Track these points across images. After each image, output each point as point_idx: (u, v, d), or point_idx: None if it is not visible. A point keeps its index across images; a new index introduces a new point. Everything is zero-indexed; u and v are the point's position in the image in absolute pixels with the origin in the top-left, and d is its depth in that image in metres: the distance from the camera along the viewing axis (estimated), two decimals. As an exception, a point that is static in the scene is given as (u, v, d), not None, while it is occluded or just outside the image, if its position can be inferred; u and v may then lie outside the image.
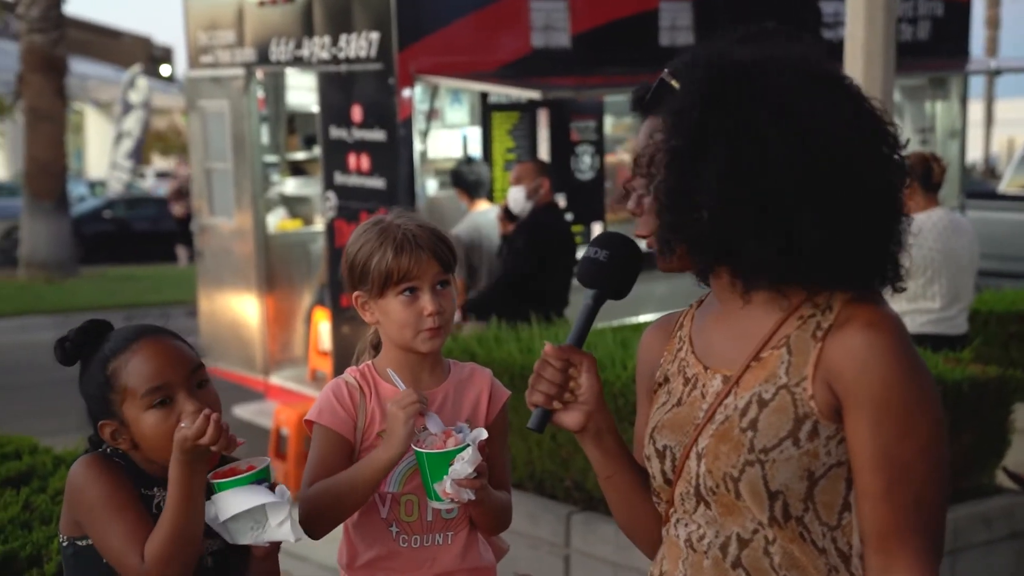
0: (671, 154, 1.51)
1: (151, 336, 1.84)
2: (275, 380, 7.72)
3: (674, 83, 1.54)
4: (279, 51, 7.38)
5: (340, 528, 2.11)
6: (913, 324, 4.99)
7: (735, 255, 1.51)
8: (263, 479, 1.78)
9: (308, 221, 8.37)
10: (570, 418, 1.63)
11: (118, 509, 1.76)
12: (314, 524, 1.99)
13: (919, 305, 5.05)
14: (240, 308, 7.96)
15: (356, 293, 2.09)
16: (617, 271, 1.67)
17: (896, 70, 6.82)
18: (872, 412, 1.46)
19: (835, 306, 1.52)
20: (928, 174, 5.18)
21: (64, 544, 1.83)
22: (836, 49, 5.98)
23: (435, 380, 2.10)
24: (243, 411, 7.73)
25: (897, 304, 4.93)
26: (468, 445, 1.92)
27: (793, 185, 1.46)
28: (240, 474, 1.78)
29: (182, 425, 1.73)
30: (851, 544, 1.52)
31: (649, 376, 1.71)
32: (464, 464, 1.91)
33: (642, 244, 1.66)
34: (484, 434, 1.96)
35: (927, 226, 5.06)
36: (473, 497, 1.93)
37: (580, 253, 6.88)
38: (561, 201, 7.06)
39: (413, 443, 1.95)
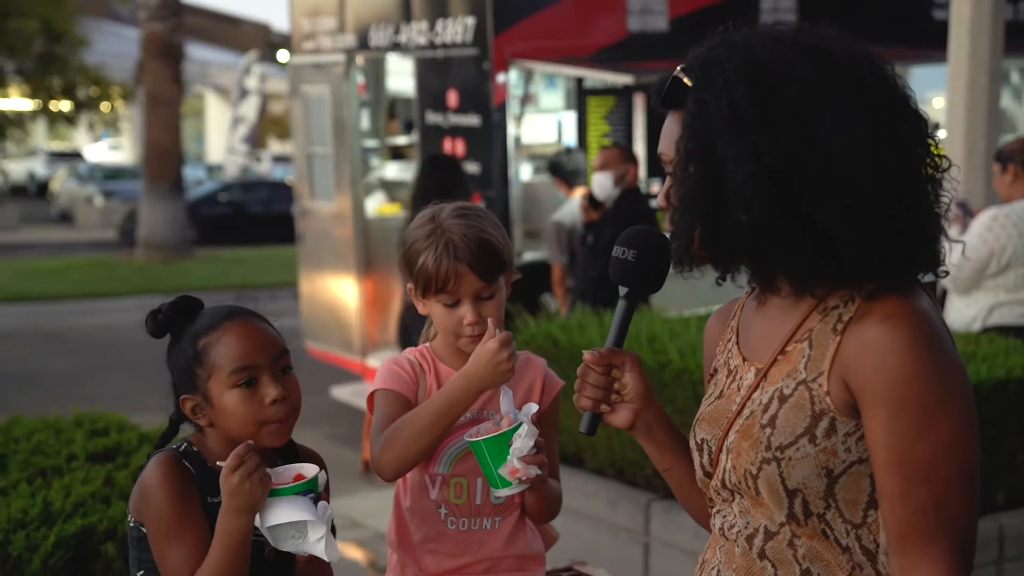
0: (686, 157, 1.48)
1: (243, 317, 1.88)
2: (372, 362, 7.82)
3: (687, 80, 1.50)
4: (378, 37, 7.46)
5: (392, 507, 2.14)
6: (1012, 315, 4.83)
7: (753, 257, 1.49)
8: (309, 489, 1.79)
9: (407, 205, 8.45)
10: (619, 417, 1.66)
11: (180, 530, 1.79)
12: (385, 462, 1.97)
13: (1018, 296, 4.87)
14: (339, 291, 8.09)
15: (409, 284, 2.11)
16: (646, 269, 1.68)
17: (1015, 51, 6.58)
18: (886, 409, 1.41)
19: (858, 298, 1.48)
20: (1033, 159, 4.98)
21: (131, 524, 1.88)
22: (944, 30, 5.79)
23: None
24: (341, 392, 7.86)
25: (994, 295, 4.82)
26: (522, 422, 1.92)
27: (809, 183, 1.42)
28: (289, 481, 1.79)
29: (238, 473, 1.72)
30: (877, 542, 1.48)
31: (710, 365, 1.71)
32: (524, 440, 1.90)
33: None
34: (535, 407, 1.96)
35: (1029, 213, 4.87)
36: (540, 472, 1.93)
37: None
38: (657, 186, 7.00)
39: (467, 436, 1.96)
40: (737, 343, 1.62)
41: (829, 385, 1.46)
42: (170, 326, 1.89)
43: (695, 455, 1.61)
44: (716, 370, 1.65)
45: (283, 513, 1.75)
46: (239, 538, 1.75)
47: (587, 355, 1.64)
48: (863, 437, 1.45)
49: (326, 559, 1.78)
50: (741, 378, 1.57)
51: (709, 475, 1.59)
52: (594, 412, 1.66)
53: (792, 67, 1.45)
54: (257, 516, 1.77)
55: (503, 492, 1.97)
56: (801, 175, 1.43)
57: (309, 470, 1.80)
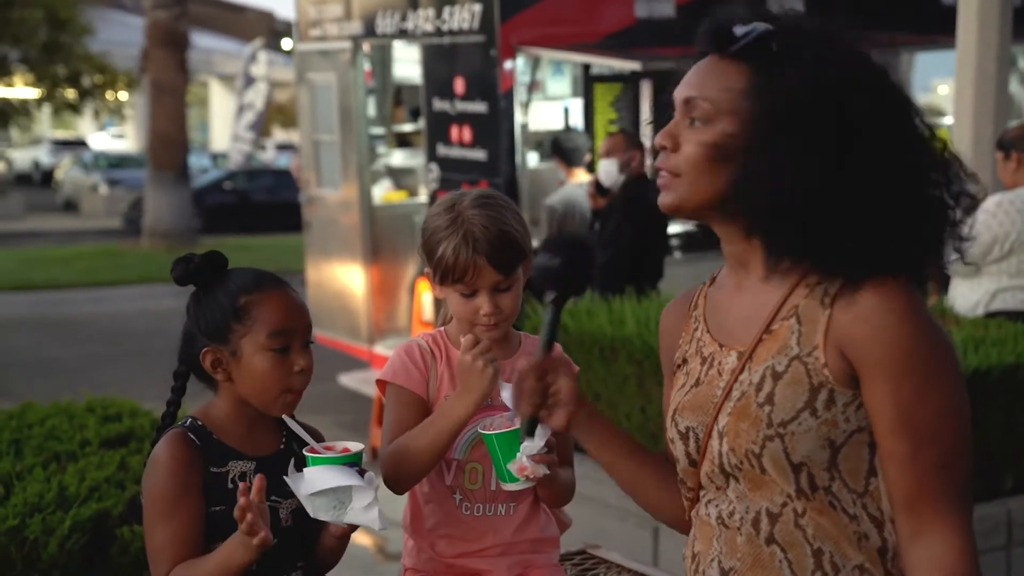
0: (754, 105, 1.49)
1: (284, 285, 1.93)
2: (379, 349, 7.85)
3: (771, 40, 1.51)
4: (385, 24, 7.46)
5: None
6: (1015, 300, 4.84)
7: (750, 230, 1.52)
8: (354, 463, 1.82)
9: (413, 193, 8.46)
10: (556, 419, 1.71)
11: (170, 512, 1.82)
12: (393, 481, 2.01)
13: (1020, 281, 4.88)
14: (346, 278, 8.10)
15: (426, 268, 2.11)
16: (571, 275, 1.74)
17: (1023, 36, 6.57)
18: (889, 376, 1.45)
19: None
20: (1035, 147, 4.98)
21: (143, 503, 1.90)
22: (953, 15, 5.78)
23: (505, 353, 2.10)
24: (348, 379, 7.88)
25: (998, 280, 4.82)
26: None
27: (853, 184, 1.47)
28: (334, 454, 1.83)
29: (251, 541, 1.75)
30: (882, 510, 1.51)
31: (670, 357, 1.72)
32: (535, 440, 1.89)
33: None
34: None
35: (1033, 199, 4.87)
36: (548, 471, 1.94)
37: (675, 227, 6.86)
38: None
39: (480, 428, 1.96)
40: (708, 331, 1.63)
41: (826, 357, 1.48)
42: (197, 276, 1.92)
43: (678, 444, 1.62)
44: (685, 360, 1.66)
45: (331, 479, 1.78)
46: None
47: (521, 366, 1.72)
48: (861, 406, 1.49)
49: (376, 528, 1.80)
50: (720, 363, 1.58)
51: (695, 463, 1.60)
52: (532, 416, 1.73)
53: (861, 73, 1.50)
54: (300, 483, 1.79)
55: (510, 487, 1.98)
56: (854, 177, 1.47)
57: (355, 445, 1.85)
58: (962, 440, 1.47)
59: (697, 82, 1.56)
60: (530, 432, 1.74)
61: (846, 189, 1.46)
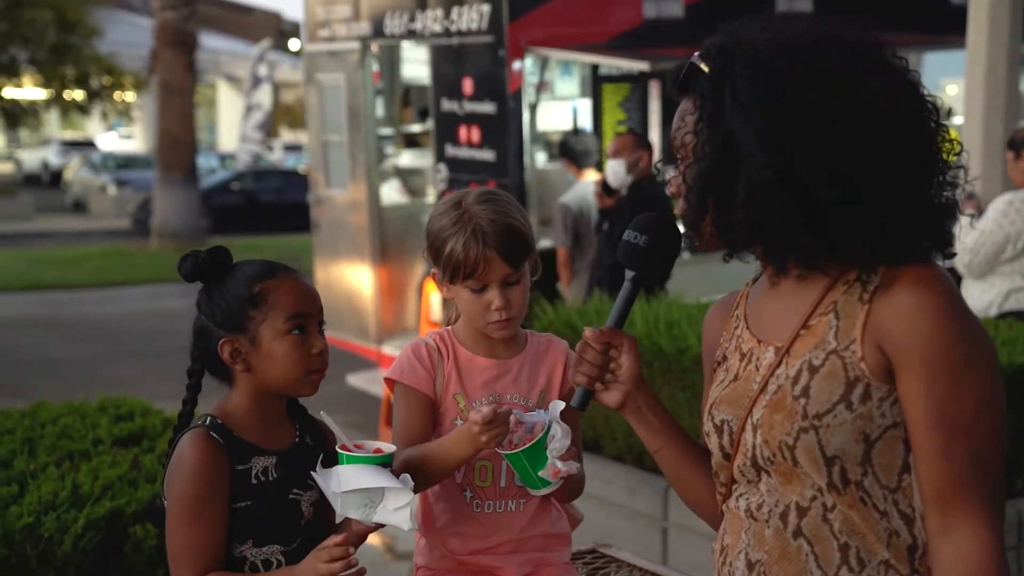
0: (701, 139, 1.51)
1: (294, 272, 1.96)
2: (387, 349, 7.86)
3: (703, 66, 1.53)
4: (393, 24, 7.47)
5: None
6: (1030, 301, 4.83)
7: (766, 238, 1.52)
8: (387, 464, 1.83)
9: (421, 193, 8.47)
10: (611, 397, 1.70)
11: (195, 516, 1.82)
12: None
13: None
14: (354, 278, 8.11)
15: (434, 269, 2.13)
16: (655, 255, 1.73)
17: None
18: (924, 368, 1.45)
19: (879, 267, 1.52)
20: (1044, 146, 4.98)
21: (166, 503, 1.90)
22: (963, 14, 5.78)
23: (511, 352, 2.12)
24: (356, 380, 7.89)
25: (1011, 280, 4.82)
26: (551, 422, 1.95)
27: (827, 166, 1.46)
28: (365, 453, 1.84)
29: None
30: (913, 507, 1.51)
31: (712, 355, 1.73)
32: (561, 440, 1.93)
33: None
34: (562, 405, 1.98)
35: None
36: (579, 464, 1.95)
37: (683, 228, 6.81)
38: (672, 173, 6.99)
39: (498, 447, 1.96)
40: (748, 328, 1.64)
41: (863, 351, 1.49)
42: (203, 271, 1.93)
43: (713, 437, 1.63)
44: (725, 357, 1.67)
45: (367, 479, 1.79)
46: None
47: (588, 332, 1.69)
48: (896, 402, 1.49)
49: (405, 527, 1.82)
50: (758, 359, 1.59)
51: (728, 456, 1.61)
52: (587, 388, 1.70)
53: (810, 56, 1.48)
54: (334, 481, 1.80)
55: (542, 492, 1.99)
56: (815, 169, 1.46)
57: (387, 447, 1.87)
58: (996, 435, 1.47)
59: (675, 126, 1.60)
60: (582, 406, 1.71)
61: (817, 188, 1.46)
